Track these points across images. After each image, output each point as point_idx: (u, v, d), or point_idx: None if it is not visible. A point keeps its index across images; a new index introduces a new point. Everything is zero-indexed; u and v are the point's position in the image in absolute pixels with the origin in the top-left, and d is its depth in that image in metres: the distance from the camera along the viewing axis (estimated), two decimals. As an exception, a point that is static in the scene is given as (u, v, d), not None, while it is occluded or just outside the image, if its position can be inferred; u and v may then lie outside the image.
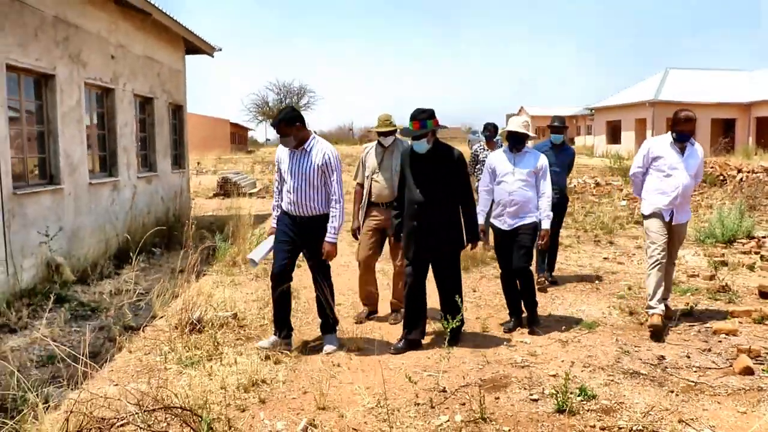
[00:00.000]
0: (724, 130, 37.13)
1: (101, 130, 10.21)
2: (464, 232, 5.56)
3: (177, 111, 14.27)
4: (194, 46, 14.41)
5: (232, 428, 3.94)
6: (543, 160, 6.00)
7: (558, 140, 7.84)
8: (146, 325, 6.15)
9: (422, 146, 5.38)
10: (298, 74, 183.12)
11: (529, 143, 6.37)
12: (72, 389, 4.44)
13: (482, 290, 7.51)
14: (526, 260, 5.91)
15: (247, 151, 58.84)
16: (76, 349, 5.56)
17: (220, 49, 15.69)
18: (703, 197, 14.71)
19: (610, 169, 23.23)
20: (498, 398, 4.40)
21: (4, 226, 6.92)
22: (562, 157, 7.81)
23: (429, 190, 5.38)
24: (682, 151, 5.97)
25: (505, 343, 5.62)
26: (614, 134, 41.41)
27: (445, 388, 4.54)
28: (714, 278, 7.67)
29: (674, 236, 6.12)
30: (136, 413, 3.69)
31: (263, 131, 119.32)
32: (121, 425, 3.77)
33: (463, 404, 4.29)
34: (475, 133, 51.32)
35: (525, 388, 4.58)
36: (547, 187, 5.93)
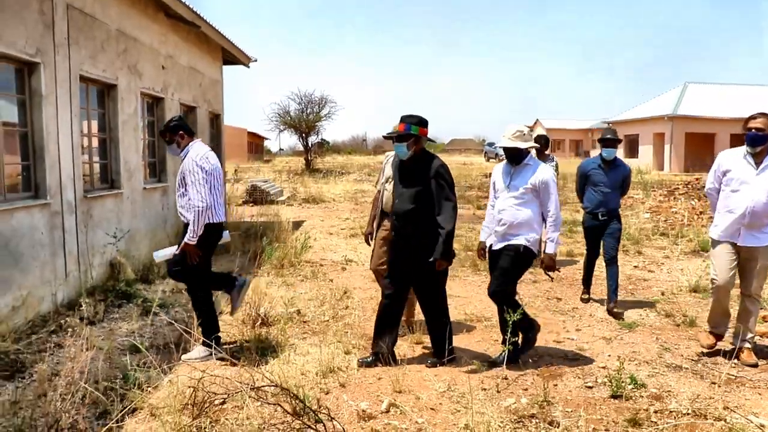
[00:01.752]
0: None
1: (152, 137, 10.76)
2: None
3: (215, 120, 14.84)
4: (232, 56, 14.99)
5: (322, 406, 4.40)
6: (541, 175, 5.20)
7: (610, 155, 7.08)
8: (216, 320, 6.62)
9: (402, 150, 5.23)
10: (317, 84, 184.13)
11: (533, 152, 5.74)
12: (165, 374, 4.91)
13: (523, 292, 7.95)
14: (499, 284, 5.35)
15: (264, 160, 59.53)
16: (155, 340, 6.09)
17: (256, 60, 16.23)
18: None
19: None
20: (556, 385, 4.87)
21: (77, 226, 7.45)
22: (614, 176, 7.09)
23: (406, 201, 5.21)
24: (757, 164, 5.27)
25: (553, 339, 6.07)
26: (632, 148, 41.75)
27: (506, 376, 4.99)
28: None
29: (747, 262, 5.38)
30: (246, 388, 4.16)
31: (278, 141, 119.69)
32: (232, 400, 4.24)
33: (525, 389, 4.77)
34: (491, 145, 51.85)
35: (579, 377, 5.05)
36: (552, 205, 5.21)
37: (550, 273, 5.61)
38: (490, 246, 5.47)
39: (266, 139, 71.94)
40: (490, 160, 50.07)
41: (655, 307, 7.26)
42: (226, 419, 4.16)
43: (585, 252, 7.60)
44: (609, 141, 7.07)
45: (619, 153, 28.81)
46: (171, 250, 5.75)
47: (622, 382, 4.70)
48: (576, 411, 4.37)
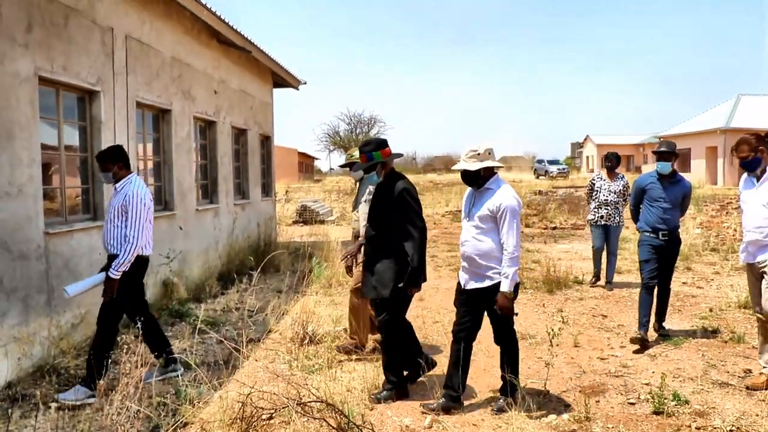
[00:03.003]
0: (800, 158, 36.24)
1: (203, 159, 11.12)
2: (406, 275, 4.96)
3: (265, 141, 15.22)
4: (282, 79, 15.39)
5: (366, 422, 4.51)
6: (499, 200, 4.57)
7: (664, 169, 6.66)
8: (264, 338, 6.83)
9: (374, 179, 5.19)
10: (367, 103, 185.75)
11: (498, 174, 4.93)
12: (215, 390, 5.09)
13: (568, 310, 7.92)
14: (501, 332, 4.89)
15: (314, 180, 60.33)
16: (206, 357, 6.30)
17: (305, 83, 16.58)
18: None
19: (682, 198, 23.13)
20: (598, 401, 4.88)
21: (133, 247, 7.74)
22: (674, 191, 6.64)
23: (373, 226, 5.11)
24: (757, 180, 5.13)
25: (597, 356, 6.05)
26: (684, 162, 40.90)
27: (548, 392, 5.02)
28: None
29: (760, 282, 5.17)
30: (293, 404, 4.30)
31: (328, 161, 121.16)
32: (281, 414, 4.39)
33: (567, 406, 4.79)
34: (540, 162, 51.52)
35: (621, 394, 5.05)
36: (510, 236, 4.52)
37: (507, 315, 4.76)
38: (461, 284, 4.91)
39: (316, 159, 73.04)
40: (540, 177, 49.70)
41: (702, 324, 7.15)
42: (273, 432, 4.30)
43: (641, 279, 6.73)
44: (663, 154, 6.65)
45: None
46: (85, 284, 5.50)
47: (665, 398, 4.68)
48: (616, 427, 4.38)
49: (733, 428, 4.31)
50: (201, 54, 10.29)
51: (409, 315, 7.78)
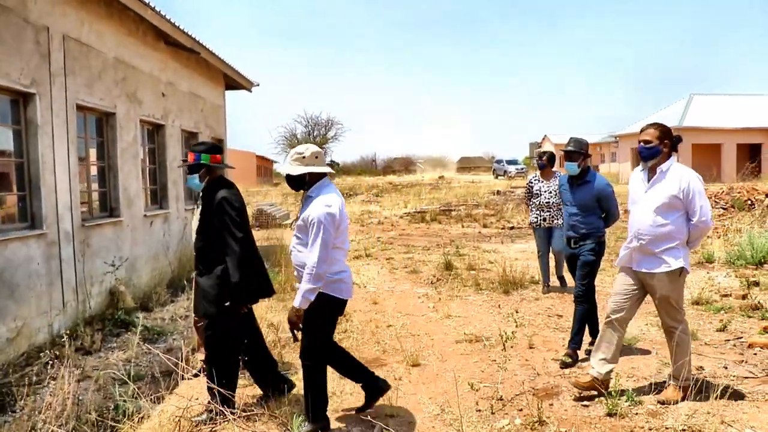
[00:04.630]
0: (751, 155, 37.22)
1: (152, 164, 10.81)
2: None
3: (217, 144, 14.87)
4: (234, 81, 15.10)
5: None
6: (310, 211, 4.17)
7: (572, 170, 6.04)
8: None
9: (195, 183, 4.75)
10: (323, 105, 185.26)
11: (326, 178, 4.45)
12: (156, 403, 4.87)
13: (523, 311, 7.86)
14: (305, 347, 4.38)
15: (273, 183, 59.78)
16: (150, 369, 6.06)
17: (258, 84, 16.36)
18: (732, 221, 14.94)
19: (637, 196, 23.48)
20: (552, 404, 4.80)
21: (75, 256, 7.46)
22: (582, 194, 5.97)
23: (196, 240, 4.74)
24: (649, 180, 4.78)
25: (552, 357, 5.99)
26: (639, 161, 41.61)
27: (502, 396, 4.92)
28: (746, 297, 7.96)
29: (648, 290, 4.82)
30: (233, 417, 4.12)
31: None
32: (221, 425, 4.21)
33: (521, 410, 4.69)
34: (499, 162, 51.95)
35: (575, 396, 4.95)
36: (312, 249, 4.09)
37: (294, 331, 4.34)
38: None
39: (275, 162, 72.38)
40: (499, 177, 50.03)
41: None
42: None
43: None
44: (568, 153, 6.01)
45: (627, 166, 28.02)
46: None
47: (618, 399, 4.62)
48: (569, 431, 4.29)
49: (686, 428, 4.25)
50: (147, 56, 9.99)
51: (363, 318, 7.71)
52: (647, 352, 6.07)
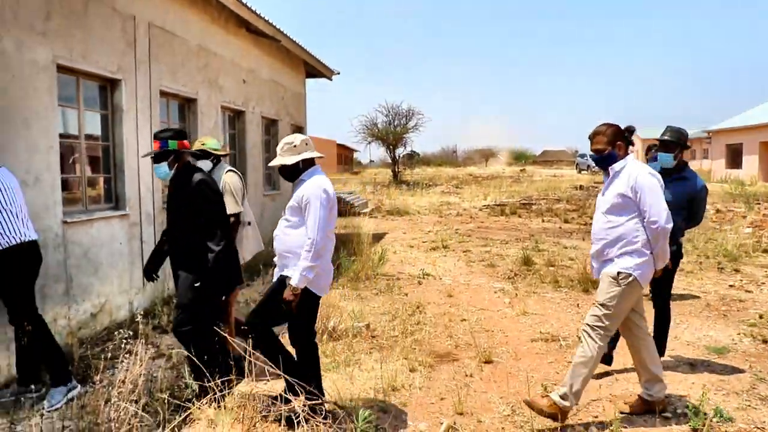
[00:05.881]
0: None
1: (232, 149, 10.98)
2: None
3: (298, 132, 15.02)
4: (314, 69, 15.22)
5: (378, 428, 4.27)
6: (303, 190, 4.19)
7: (666, 162, 5.44)
8: (283, 332, 6.63)
9: (164, 171, 4.63)
10: (405, 95, 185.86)
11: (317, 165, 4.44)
12: (226, 385, 4.90)
13: (587, 308, 7.53)
14: (256, 317, 4.39)
15: (352, 171, 60.29)
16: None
17: (338, 73, 16.42)
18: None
19: (731, 195, 22.32)
20: (629, 413, 4.52)
21: (155, 237, 7.64)
22: (676, 190, 5.33)
23: (170, 224, 4.71)
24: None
25: (631, 363, 5.68)
26: (735, 158, 39.51)
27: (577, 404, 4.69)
28: None
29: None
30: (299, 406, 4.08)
31: (367, 152, 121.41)
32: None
33: (596, 417, 4.45)
34: (583, 156, 50.53)
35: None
36: (310, 226, 4.09)
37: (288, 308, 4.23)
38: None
39: (356, 151, 72.95)
40: (582, 171, 48.68)
41: (750, 332, 6.68)
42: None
43: None
44: (664, 143, 5.41)
45: (720, 164, 26.55)
46: None
47: (705, 414, 4.31)
48: (649, 443, 4.05)
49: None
50: (229, 43, 10.14)
51: (436, 311, 7.60)
52: (740, 364, 5.67)
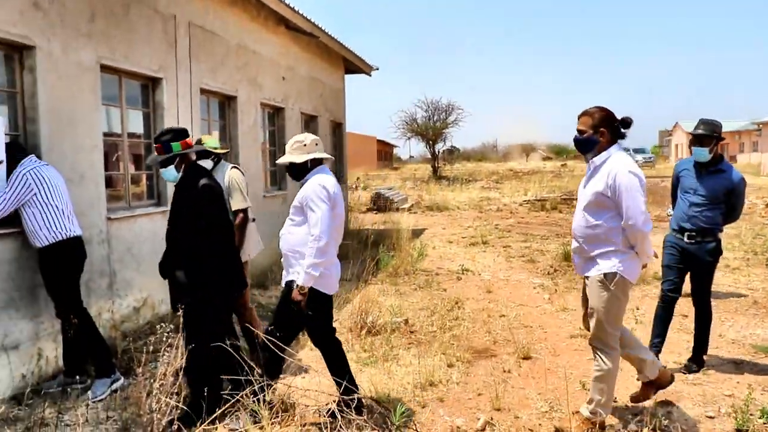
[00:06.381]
0: None
1: (272, 146, 11.09)
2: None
3: (337, 128, 15.13)
4: (353, 65, 15.26)
5: (416, 422, 4.27)
6: (305, 190, 4.17)
7: (701, 156, 5.22)
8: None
9: (172, 174, 4.49)
10: (445, 91, 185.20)
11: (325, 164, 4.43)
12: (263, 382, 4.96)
13: (645, 308, 7.41)
14: (272, 327, 4.31)
15: (392, 167, 60.34)
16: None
17: (377, 69, 16.44)
18: None
19: (781, 189, 21.70)
20: (671, 412, 4.44)
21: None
22: (711, 184, 5.18)
23: (171, 228, 4.52)
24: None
25: (674, 360, 5.58)
26: (784, 151, 38.38)
27: (616, 398, 4.62)
28: None
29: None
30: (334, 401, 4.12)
31: (407, 148, 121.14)
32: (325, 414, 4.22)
33: (636, 415, 4.38)
34: (626, 151, 49.92)
35: (699, 405, 4.59)
36: (313, 224, 4.06)
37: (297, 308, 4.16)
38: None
39: (395, 146, 72.99)
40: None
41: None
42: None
43: (661, 287, 5.58)
44: (699, 137, 5.18)
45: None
46: None
47: (751, 414, 4.21)
48: (691, 444, 3.97)
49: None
50: (268, 40, 10.23)
51: (475, 306, 7.57)
52: (786, 361, 5.52)
